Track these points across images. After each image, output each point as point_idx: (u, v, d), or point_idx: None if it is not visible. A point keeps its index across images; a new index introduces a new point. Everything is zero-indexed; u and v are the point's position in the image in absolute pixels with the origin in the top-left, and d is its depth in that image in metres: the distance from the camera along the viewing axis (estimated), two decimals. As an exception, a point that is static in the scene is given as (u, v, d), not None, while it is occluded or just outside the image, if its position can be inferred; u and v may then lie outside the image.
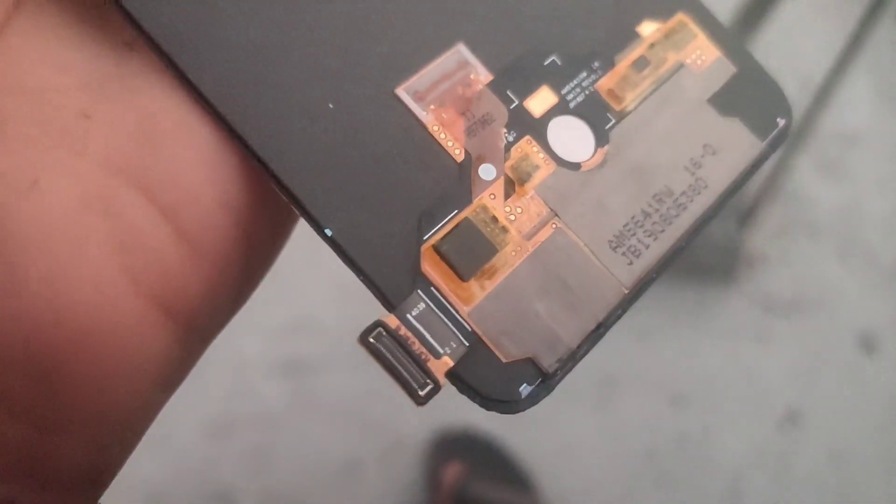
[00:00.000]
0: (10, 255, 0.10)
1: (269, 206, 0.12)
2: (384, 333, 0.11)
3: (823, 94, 0.62)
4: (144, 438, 0.13)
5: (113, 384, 0.11)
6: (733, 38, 0.15)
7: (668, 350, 0.71)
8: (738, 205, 0.72)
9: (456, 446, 0.63)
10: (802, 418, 0.69)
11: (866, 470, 0.67)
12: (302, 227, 0.12)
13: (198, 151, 0.11)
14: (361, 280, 0.11)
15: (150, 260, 0.11)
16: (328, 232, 0.11)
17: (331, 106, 0.12)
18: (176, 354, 0.11)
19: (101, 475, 0.12)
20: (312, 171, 0.11)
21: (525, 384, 0.12)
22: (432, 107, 0.12)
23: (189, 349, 0.12)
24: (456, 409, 0.67)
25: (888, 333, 0.73)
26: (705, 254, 0.72)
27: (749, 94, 0.14)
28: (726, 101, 0.14)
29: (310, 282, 0.66)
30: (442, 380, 0.11)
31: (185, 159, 0.11)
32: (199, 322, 0.11)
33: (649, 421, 0.68)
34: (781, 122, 0.14)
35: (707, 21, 0.15)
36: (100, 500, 0.13)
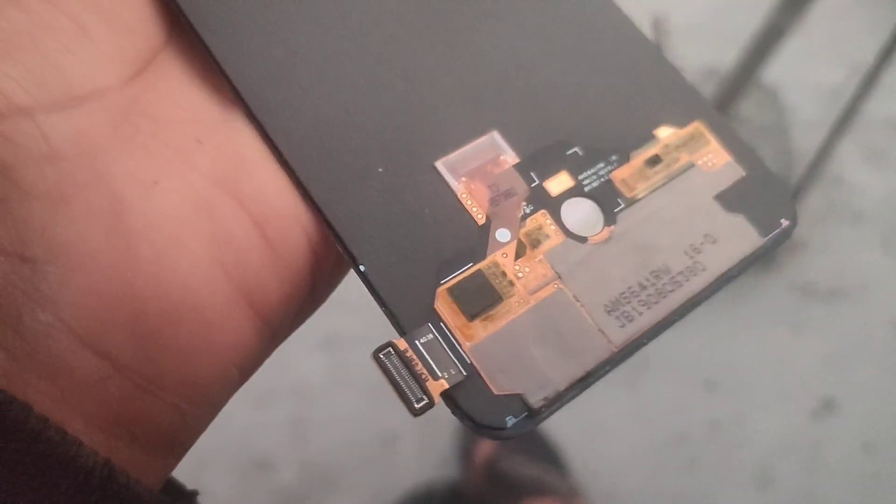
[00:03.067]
0: (129, 236, 0.12)
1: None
2: (393, 353, 0.13)
3: (871, 80, 0.61)
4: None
5: (200, 356, 0.13)
6: (745, 146, 0.16)
7: (702, 334, 0.71)
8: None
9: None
10: (837, 407, 0.69)
11: (901, 461, 0.67)
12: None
13: (281, 182, 0.14)
14: (383, 310, 0.13)
15: (239, 257, 0.13)
16: (362, 268, 0.14)
17: (380, 170, 0.15)
18: (253, 343, 0.13)
19: (180, 443, 0.13)
20: (357, 219, 0.14)
21: (512, 416, 0.13)
22: (463, 179, 0.15)
23: (263, 342, 0.14)
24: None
25: (930, 324, 0.72)
26: (744, 240, 0.72)
27: (756, 196, 0.16)
28: (733, 199, 0.16)
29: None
30: (436, 398, 0.13)
31: (271, 184, 0.14)
32: (273, 319, 0.13)
33: (681, 405, 0.69)
34: (785, 223, 0.15)
35: (722, 130, 0.16)
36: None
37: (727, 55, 0.68)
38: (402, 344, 0.13)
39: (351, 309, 0.70)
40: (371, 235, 0.14)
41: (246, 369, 0.14)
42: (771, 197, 0.16)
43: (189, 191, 0.13)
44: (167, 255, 0.12)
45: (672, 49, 0.74)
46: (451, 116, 0.15)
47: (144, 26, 0.14)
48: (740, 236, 0.15)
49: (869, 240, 0.76)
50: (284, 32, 0.15)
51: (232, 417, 0.69)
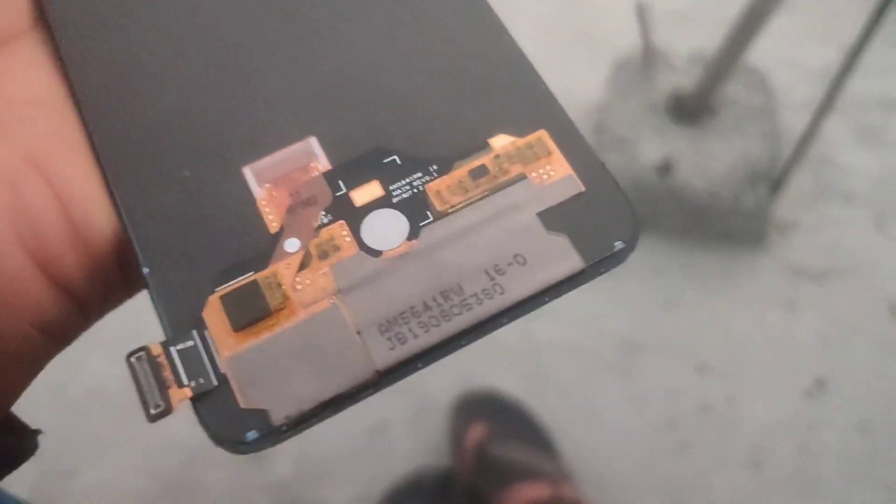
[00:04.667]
0: None
1: None
2: (144, 357, 0.13)
3: (855, 59, 0.60)
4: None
5: None
6: (594, 159, 0.15)
7: (694, 318, 0.71)
8: (769, 171, 0.71)
9: (481, 407, 0.64)
10: (830, 388, 0.68)
11: (895, 441, 0.66)
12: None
13: (95, 170, 0.15)
14: (156, 313, 0.13)
15: (36, 228, 0.14)
16: (145, 271, 0.14)
17: (187, 174, 0.14)
18: (52, 308, 0.14)
19: None
20: (150, 222, 0.14)
21: (254, 431, 0.13)
22: (267, 185, 0.15)
23: (65, 310, 0.14)
24: (481, 373, 0.68)
25: (925, 304, 0.71)
26: (735, 220, 0.72)
27: (591, 214, 0.14)
28: (562, 216, 0.14)
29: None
30: (175, 406, 0.13)
31: (84, 170, 0.14)
32: (76, 291, 0.14)
33: (673, 389, 0.68)
34: (619, 245, 0.14)
35: (570, 140, 0.15)
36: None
37: (714, 39, 0.68)
38: (156, 349, 0.13)
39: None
40: (160, 239, 0.14)
41: (52, 333, 0.14)
42: (611, 216, 0.14)
43: None
44: None
45: (658, 35, 0.74)
46: (273, 120, 0.15)
47: (4, 12, 0.15)
48: (556, 259, 0.14)
49: (860, 219, 0.75)
50: (130, 30, 0.16)
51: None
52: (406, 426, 0.67)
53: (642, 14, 0.72)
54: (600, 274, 0.14)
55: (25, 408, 0.16)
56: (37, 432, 0.16)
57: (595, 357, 0.69)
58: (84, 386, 0.69)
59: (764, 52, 0.72)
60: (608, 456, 0.66)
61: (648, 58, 0.76)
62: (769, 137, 0.72)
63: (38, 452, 0.16)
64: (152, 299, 0.14)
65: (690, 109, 0.73)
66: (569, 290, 0.14)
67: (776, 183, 0.71)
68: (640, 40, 0.74)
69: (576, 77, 0.82)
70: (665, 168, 0.71)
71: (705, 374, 0.69)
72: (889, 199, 0.76)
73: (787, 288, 0.72)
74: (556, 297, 0.14)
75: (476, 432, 0.61)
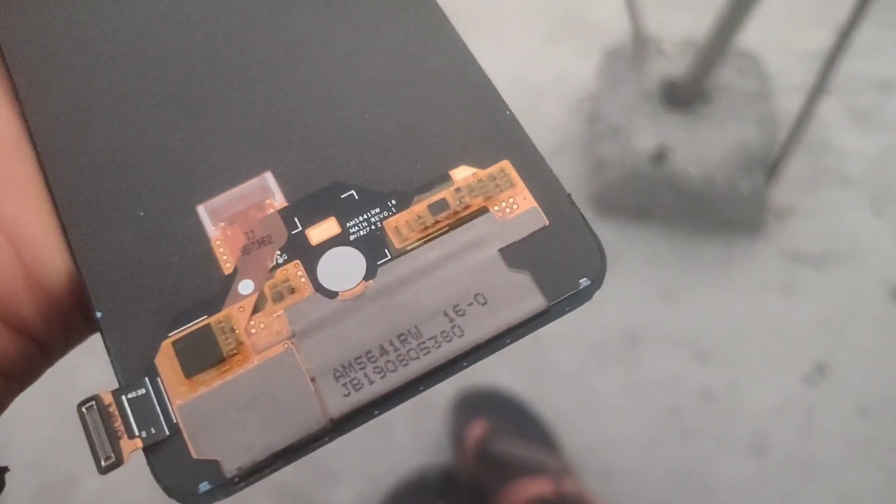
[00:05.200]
0: None
1: None
2: (95, 406, 0.13)
3: (853, 40, 0.60)
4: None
5: None
6: (559, 191, 0.14)
7: (693, 306, 0.71)
8: (764, 157, 0.70)
9: (480, 405, 0.64)
10: (830, 371, 0.68)
11: (894, 424, 0.67)
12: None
13: (46, 210, 0.14)
14: (110, 359, 0.13)
15: None
16: (98, 314, 0.13)
17: (141, 214, 0.14)
18: (10, 352, 0.14)
19: None
20: (104, 265, 0.14)
21: (206, 482, 0.12)
22: (221, 224, 0.14)
23: (25, 353, 0.14)
24: (482, 370, 0.68)
25: (923, 284, 0.71)
26: (731, 207, 0.71)
27: (556, 249, 0.14)
28: (525, 253, 0.14)
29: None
30: (126, 457, 0.12)
31: (36, 210, 0.14)
32: (36, 334, 0.14)
33: (674, 377, 0.68)
34: (584, 282, 0.13)
35: (534, 171, 0.14)
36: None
37: (705, 23, 0.67)
38: (107, 398, 0.13)
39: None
40: (114, 282, 0.13)
41: (13, 376, 0.14)
42: (576, 251, 0.14)
43: None
44: None
45: (648, 21, 0.74)
46: (228, 156, 0.15)
47: None
48: (518, 298, 0.13)
49: (857, 203, 0.75)
50: (86, 70, 0.15)
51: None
52: (408, 424, 0.67)
53: (632, 0, 0.71)
54: (565, 313, 0.13)
55: (24, 417, 0.15)
56: (4, 469, 0.16)
57: (595, 348, 0.69)
58: (82, 394, 0.69)
59: (756, 36, 0.72)
60: (611, 446, 0.66)
61: (640, 45, 0.75)
62: (764, 122, 0.72)
63: (37, 463, 0.16)
64: (105, 344, 0.13)
65: (684, 96, 0.72)
66: (532, 330, 0.13)
67: (772, 168, 0.71)
68: (631, 27, 0.74)
69: (568, 66, 0.82)
70: (660, 156, 0.70)
71: (706, 361, 0.69)
72: (885, 181, 0.76)
73: (785, 273, 0.72)
74: (519, 338, 0.13)
75: (476, 430, 0.61)
